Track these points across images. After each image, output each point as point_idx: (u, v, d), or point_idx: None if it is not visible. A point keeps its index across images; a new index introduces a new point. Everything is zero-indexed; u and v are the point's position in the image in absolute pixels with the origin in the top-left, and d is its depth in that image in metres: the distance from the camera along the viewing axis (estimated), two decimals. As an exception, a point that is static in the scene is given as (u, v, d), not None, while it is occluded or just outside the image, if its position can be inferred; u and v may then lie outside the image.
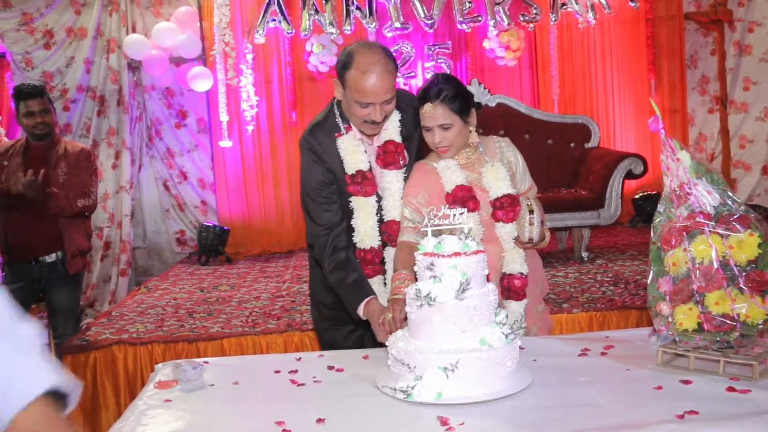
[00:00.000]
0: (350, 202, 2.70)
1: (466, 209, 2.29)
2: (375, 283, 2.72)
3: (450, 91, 2.57)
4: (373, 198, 2.70)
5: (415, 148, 2.78)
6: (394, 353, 2.11)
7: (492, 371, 1.99)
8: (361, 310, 2.57)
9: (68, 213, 4.32)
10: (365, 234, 2.70)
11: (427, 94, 2.58)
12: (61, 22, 6.83)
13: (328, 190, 2.69)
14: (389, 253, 2.73)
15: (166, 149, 7.34)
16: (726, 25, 7.38)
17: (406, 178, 2.72)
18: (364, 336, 2.83)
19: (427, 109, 2.57)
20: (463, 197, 2.59)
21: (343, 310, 2.74)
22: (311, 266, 2.97)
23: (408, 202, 2.67)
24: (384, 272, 2.75)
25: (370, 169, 2.71)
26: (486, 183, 2.66)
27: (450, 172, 2.64)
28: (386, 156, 2.68)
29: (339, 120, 2.70)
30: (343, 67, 2.55)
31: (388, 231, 2.70)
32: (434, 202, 2.58)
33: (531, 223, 2.59)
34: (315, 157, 2.69)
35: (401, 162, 2.70)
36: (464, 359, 1.97)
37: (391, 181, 2.69)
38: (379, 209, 2.72)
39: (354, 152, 2.67)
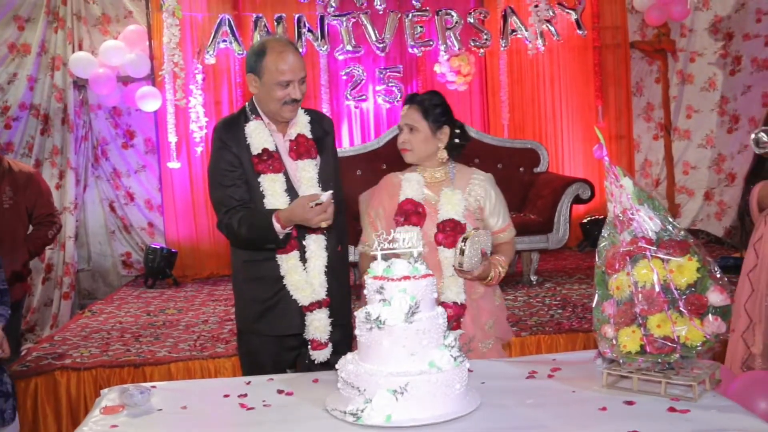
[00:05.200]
0: (260, 185, 2.74)
1: (416, 230, 2.33)
2: (291, 258, 2.76)
3: (429, 101, 2.76)
4: (282, 176, 2.76)
5: (324, 153, 2.86)
6: (343, 376, 2.11)
7: (441, 394, 2.00)
8: (275, 223, 2.61)
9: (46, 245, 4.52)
10: None
11: (409, 98, 2.80)
12: (3, 37, 6.62)
13: (236, 174, 2.76)
14: (309, 241, 2.77)
15: (112, 170, 7.19)
16: (669, 54, 7.59)
17: (320, 171, 2.80)
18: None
19: (404, 109, 2.78)
20: (408, 211, 2.70)
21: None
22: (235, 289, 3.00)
23: (368, 215, 2.83)
24: (302, 250, 2.78)
25: (277, 150, 2.78)
26: (440, 205, 2.73)
27: (410, 186, 2.77)
28: (299, 147, 2.79)
29: (248, 113, 2.81)
30: (257, 58, 2.70)
31: None
32: (388, 215, 2.73)
33: (461, 252, 2.55)
34: (222, 144, 2.78)
35: (314, 153, 2.80)
36: (413, 382, 1.98)
37: (306, 168, 2.79)
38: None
39: (260, 134, 2.78)
